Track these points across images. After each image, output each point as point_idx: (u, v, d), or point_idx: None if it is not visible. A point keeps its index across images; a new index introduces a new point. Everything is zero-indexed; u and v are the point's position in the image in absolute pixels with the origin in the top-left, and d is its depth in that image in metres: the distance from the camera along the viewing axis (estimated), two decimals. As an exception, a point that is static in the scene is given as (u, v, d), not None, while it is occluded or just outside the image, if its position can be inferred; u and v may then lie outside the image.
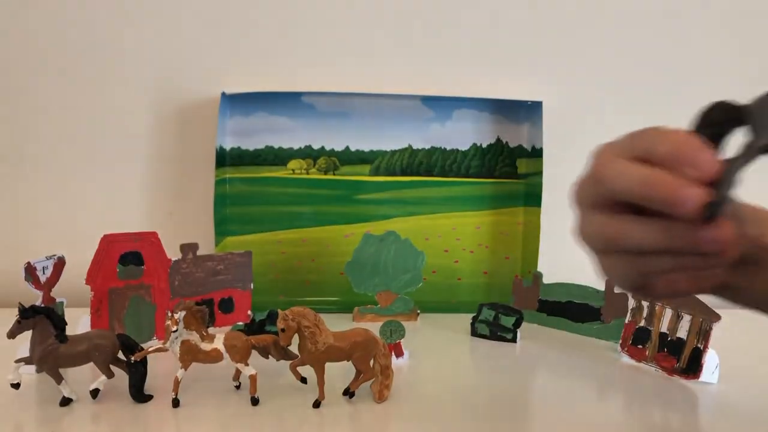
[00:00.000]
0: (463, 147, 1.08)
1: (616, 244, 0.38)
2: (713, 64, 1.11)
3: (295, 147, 1.06)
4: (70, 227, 1.07)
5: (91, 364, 0.65)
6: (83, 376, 0.69)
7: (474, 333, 0.91)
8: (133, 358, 0.65)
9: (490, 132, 1.08)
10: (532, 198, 1.05)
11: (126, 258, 0.80)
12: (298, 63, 1.07)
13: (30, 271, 0.70)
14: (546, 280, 0.97)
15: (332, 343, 0.65)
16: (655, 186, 0.36)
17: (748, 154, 0.35)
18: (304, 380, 0.67)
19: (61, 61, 1.05)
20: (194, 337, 0.65)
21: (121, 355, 0.67)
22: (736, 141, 0.37)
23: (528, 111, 1.07)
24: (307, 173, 1.07)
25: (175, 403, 0.65)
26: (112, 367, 0.66)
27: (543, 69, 1.09)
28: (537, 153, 1.04)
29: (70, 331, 0.66)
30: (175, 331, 0.64)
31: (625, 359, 0.81)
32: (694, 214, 0.34)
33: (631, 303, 0.87)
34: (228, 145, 1.04)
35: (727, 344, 0.72)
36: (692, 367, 0.74)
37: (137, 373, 0.65)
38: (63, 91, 1.05)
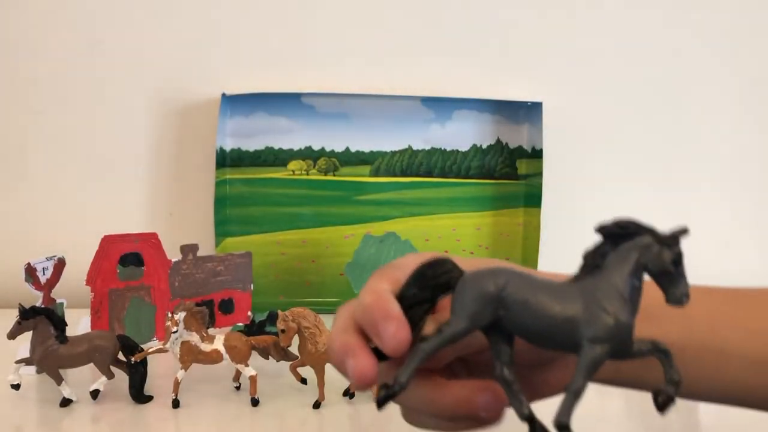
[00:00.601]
0: (463, 148, 1.08)
1: None
2: (713, 65, 1.11)
3: (295, 148, 1.06)
4: (70, 228, 1.07)
5: (92, 364, 0.65)
6: (83, 377, 0.69)
7: (474, 334, 0.91)
8: (133, 359, 0.65)
9: (490, 133, 1.08)
10: (532, 199, 1.05)
11: (126, 259, 0.80)
12: (298, 64, 1.07)
13: (30, 272, 0.70)
14: (546, 280, 0.97)
15: (332, 343, 0.64)
16: (335, 353, 0.33)
17: (441, 339, 0.30)
18: (304, 381, 0.67)
19: (60, 61, 1.05)
20: (194, 338, 0.65)
21: (121, 356, 0.67)
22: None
23: (528, 112, 1.07)
24: (307, 174, 1.07)
25: (175, 404, 0.65)
26: (112, 368, 0.66)
27: (543, 70, 1.09)
28: (537, 154, 1.04)
29: (70, 332, 0.66)
30: (175, 332, 0.64)
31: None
32: (361, 389, 0.31)
33: (631, 304, 0.87)
34: (228, 146, 1.04)
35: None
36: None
37: (137, 374, 0.66)
38: (63, 92, 1.05)
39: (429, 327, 0.32)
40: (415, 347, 0.30)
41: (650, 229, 0.29)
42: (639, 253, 0.29)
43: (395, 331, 0.30)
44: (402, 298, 0.32)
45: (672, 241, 0.28)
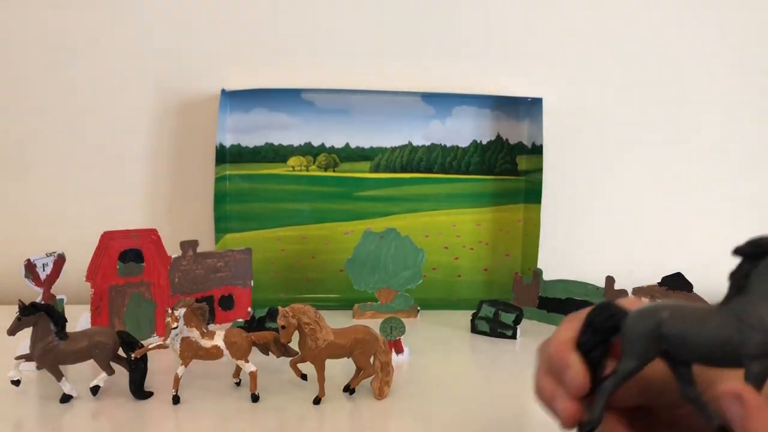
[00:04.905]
0: (463, 144, 1.08)
1: None
2: (714, 61, 1.10)
3: (295, 144, 1.06)
4: (70, 224, 1.07)
5: (92, 361, 0.65)
6: (83, 374, 0.69)
7: (474, 330, 0.91)
8: (133, 355, 0.65)
9: (490, 129, 1.08)
10: (532, 195, 1.05)
11: (126, 255, 0.80)
12: (298, 60, 1.06)
13: (30, 269, 0.70)
14: (546, 277, 0.97)
15: (332, 340, 0.65)
16: (540, 396, 0.38)
17: (618, 378, 0.35)
18: (304, 377, 0.67)
19: (61, 58, 1.04)
20: (194, 334, 0.65)
21: (121, 352, 0.67)
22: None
23: (528, 108, 1.07)
24: (307, 170, 1.07)
25: (176, 400, 0.65)
26: (112, 364, 0.66)
27: (543, 66, 1.09)
28: (537, 150, 1.04)
29: (70, 328, 0.66)
30: (175, 328, 0.64)
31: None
32: (570, 428, 0.36)
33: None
34: (228, 142, 1.04)
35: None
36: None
37: (137, 370, 0.66)
38: (63, 88, 1.05)
39: (609, 365, 0.37)
40: (600, 386, 0.35)
41: None
42: None
43: (572, 377, 0.35)
44: (580, 344, 0.37)
45: None
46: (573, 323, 0.39)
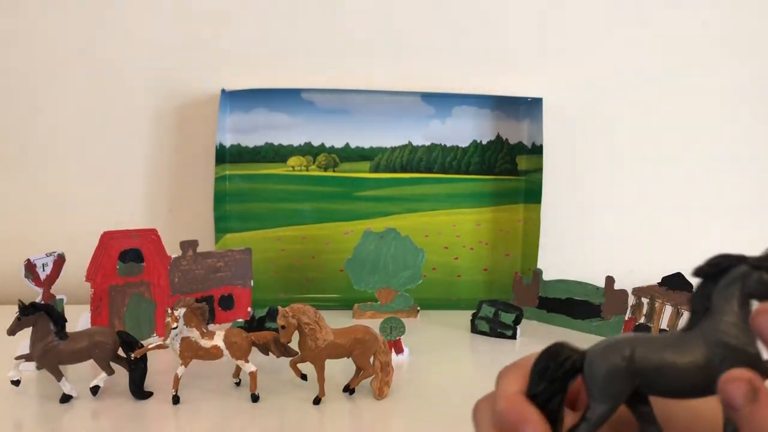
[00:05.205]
0: (463, 144, 1.08)
1: None
2: (713, 61, 1.10)
3: (295, 144, 1.06)
4: (70, 224, 1.07)
5: (92, 361, 0.65)
6: (83, 373, 0.69)
7: (474, 330, 0.91)
8: (133, 355, 0.65)
9: (490, 129, 1.08)
10: (532, 195, 1.05)
11: (126, 255, 0.80)
12: (298, 60, 1.06)
13: (30, 269, 0.70)
14: (546, 277, 0.97)
15: (332, 340, 0.65)
16: None
17: (591, 426, 0.31)
18: (304, 377, 0.67)
19: (61, 58, 1.04)
20: (194, 334, 0.65)
21: (121, 352, 0.67)
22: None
23: (528, 108, 1.07)
24: (307, 170, 1.07)
25: (175, 400, 0.65)
26: (112, 364, 0.66)
27: (543, 66, 1.09)
28: (537, 150, 1.04)
29: (70, 328, 0.66)
30: (175, 328, 0.64)
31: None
32: None
33: (631, 300, 0.87)
34: (228, 142, 1.04)
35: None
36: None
37: (137, 370, 0.66)
38: (63, 88, 1.05)
39: (568, 417, 0.32)
40: None
41: (742, 257, 0.29)
42: (740, 284, 0.29)
43: (536, 430, 0.30)
44: (534, 395, 0.32)
45: (767, 262, 0.29)
46: (514, 375, 0.34)
